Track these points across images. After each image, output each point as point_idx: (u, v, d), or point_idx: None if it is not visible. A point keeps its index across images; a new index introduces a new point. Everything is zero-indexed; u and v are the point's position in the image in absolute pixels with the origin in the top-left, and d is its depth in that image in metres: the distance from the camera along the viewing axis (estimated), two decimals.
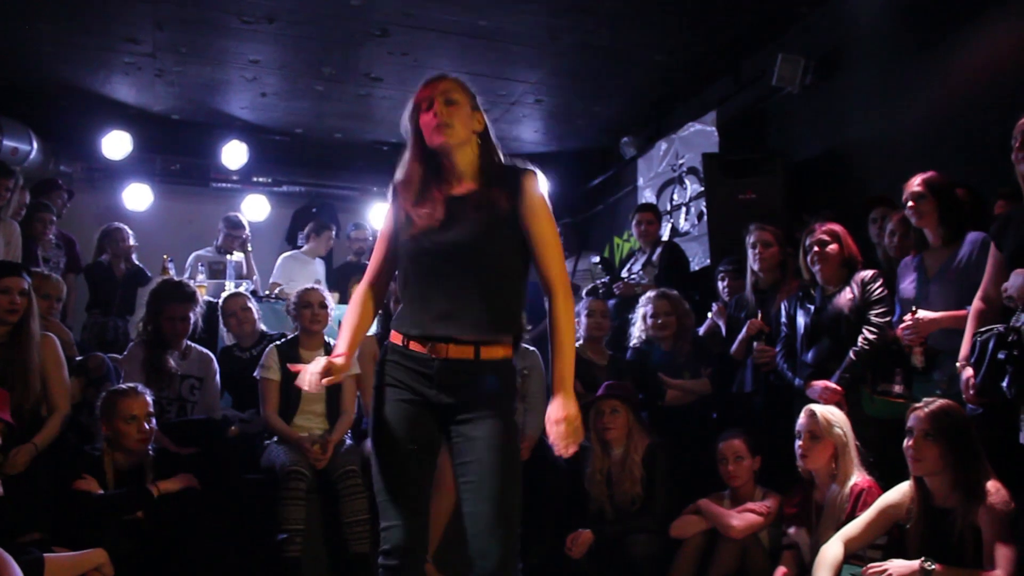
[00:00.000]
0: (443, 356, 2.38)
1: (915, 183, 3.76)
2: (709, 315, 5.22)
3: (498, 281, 2.44)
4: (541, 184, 2.47)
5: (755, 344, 4.45)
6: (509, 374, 2.49)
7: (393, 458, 2.40)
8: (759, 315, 4.54)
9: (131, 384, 3.92)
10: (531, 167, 2.49)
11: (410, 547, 2.34)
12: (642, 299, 5.06)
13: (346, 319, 2.52)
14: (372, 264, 2.60)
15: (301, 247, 7.30)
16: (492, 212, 2.41)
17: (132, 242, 6.29)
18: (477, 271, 2.40)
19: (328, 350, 4.60)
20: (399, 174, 2.53)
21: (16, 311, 3.81)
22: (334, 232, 7.41)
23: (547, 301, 2.46)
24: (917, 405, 3.15)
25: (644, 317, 4.96)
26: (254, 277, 6.71)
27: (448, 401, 2.40)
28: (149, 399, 3.84)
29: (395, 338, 2.48)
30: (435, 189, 2.45)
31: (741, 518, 3.78)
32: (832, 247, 4.04)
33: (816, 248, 4.05)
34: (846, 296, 3.97)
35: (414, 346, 2.42)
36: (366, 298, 2.55)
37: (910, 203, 3.78)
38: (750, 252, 4.66)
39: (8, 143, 6.93)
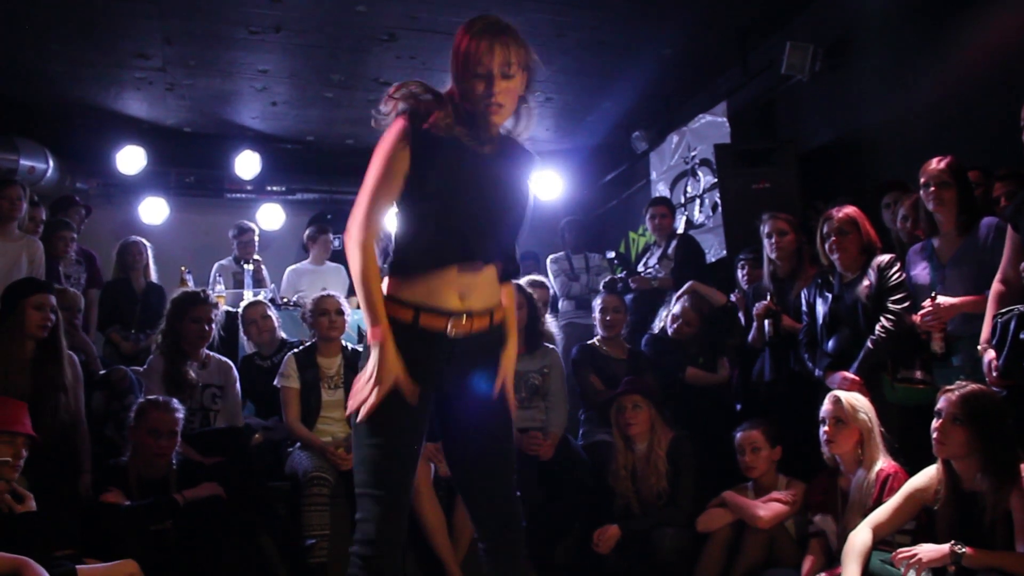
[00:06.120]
0: (466, 332, 2.26)
1: (939, 168, 3.71)
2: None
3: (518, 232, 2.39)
4: None
5: (766, 323, 4.45)
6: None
7: (400, 453, 2.20)
8: (768, 297, 4.53)
9: (166, 398, 3.95)
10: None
11: (394, 539, 2.17)
12: (674, 298, 5.07)
13: (371, 290, 2.18)
14: (380, 201, 2.22)
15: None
16: (518, 181, 2.37)
17: (150, 255, 6.33)
18: (516, 215, 2.33)
19: (346, 355, 4.63)
20: (443, 117, 2.23)
21: (47, 327, 3.90)
22: (332, 235, 7.42)
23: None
24: (949, 388, 3.12)
25: (672, 317, 4.99)
26: (270, 286, 6.75)
27: (454, 377, 2.30)
28: (178, 416, 3.87)
29: (399, 312, 2.22)
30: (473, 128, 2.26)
31: (767, 508, 3.76)
32: (850, 236, 4.00)
33: (834, 237, 4.02)
34: (864, 283, 3.94)
35: (428, 321, 2.22)
36: (375, 261, 2.21)
37: (932, 188, 3.73)
38: (766, 241, 4.64)
39: (25, 162, 7.02)
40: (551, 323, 5.05)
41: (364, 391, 2.16)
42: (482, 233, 2.25)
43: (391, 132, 2.23)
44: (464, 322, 2.25)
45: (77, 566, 3.06)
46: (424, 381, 2.22)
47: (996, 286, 3.41)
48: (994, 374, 3.26)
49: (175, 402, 3.92)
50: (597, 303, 5.10)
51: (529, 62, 2.28)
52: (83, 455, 4.02)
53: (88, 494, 3.82)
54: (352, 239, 2.21)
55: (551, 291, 5.20)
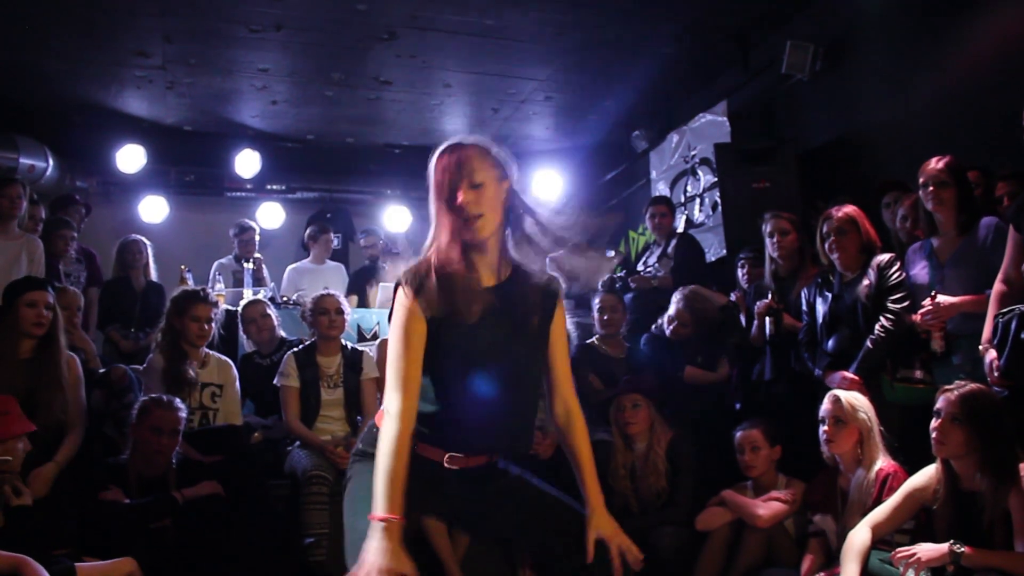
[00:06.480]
0: (460, 467, 2.20)
1: (937, 168, 3.71)
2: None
3: (535, 391, 2.30)
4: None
5: (767, 321, 4.44)
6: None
7: None
8: (769, 295, 4.52)
9: (169, 396, 3.95)
10: (558, 277, 2.32)
11: None
12: (674, 297, 5.05)
13: (391, 471, 2.02)
14: (408, 378, 2.10)
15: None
16: (531, 316, 2.24)
17: (150, 253, 6.33)
18: (522, 380, 2.25)
19: (346, 354, 4.63)
20: (435, 259, 2.15)
21: (43, 324, 3.92)
22: (332, 234, 7.41)
23: (564, 417, 2.32)
24: (948, 387, 3.12)
25: (668, 318, 4.99)
26: (270, 284, 6.75)
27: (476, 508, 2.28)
28: (181, 415, 3.87)
29: None
30: (472, 279, 2.16)
31: (766, 507, 3.76)
32: (849, 235, 3.99)
33: (833, 236, 4.02)
34: (864, 282, 3.94)
35: (423, 450, 2.17)
36: (406, 436, 2.07)
37: (931, 187, 3.73)
38: (768, 240, 4.64)
39: (25, 161, 7.02)
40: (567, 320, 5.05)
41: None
42: (483, 426, 2.20)
43: (400, 302, 2.15)
44: (459, 457, 2.19)
45: (76, 564, 3.06)
46: (422, 504, 2.19)
47: (998, 286, 3.40)
48: (995, 374, 3.26)
49: (177, 401, 3.92)
50: (595, 302, 5.09)
51: (507, 171, 2.21)
52: (65, 448, 3.86)
53: (43, 490, 3.60)
54: (386, 409, 2.12)
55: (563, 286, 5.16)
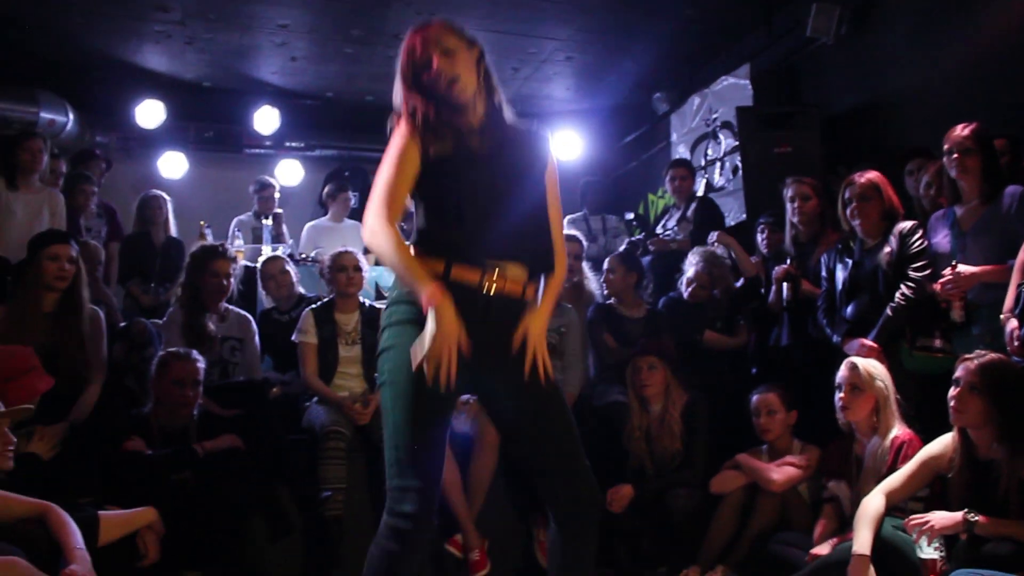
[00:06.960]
0: (496, 290, 2.23)
1: (963, 135, 3.66)
2: None
3: (546, 217, 2.37)
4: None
5: (784, 286, 4.43)
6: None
7: (432, 413, 2.17)
8: (788, 261, 4.50)
9: (186, 349, 3.98)
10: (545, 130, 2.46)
11: (430, 513, 2.15)
12: (691, 259, 5.03)
13: (407, 259, 2.16)
14: (396, 198, 2.21)
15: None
16: (527, 157, 2.36)
17: (170, 209, 6.35)
18: (532, 204, 2.32)
19: (364, 312, 4.64)
20: (412, 108, 2.28)
21: (65, 278, 3.93)
22: (351, 193, 7.40)
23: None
24: (968, 356, 3.09)
25: (686, 280, 4.97)
26: (288, 241, 6.77)
27: (489, 346, 2.21)
28: (200, 366, 3.90)
29: (434, 265, 2.21)
30: (460, 120, 2.29)
31: (781, 471, 3.78)
32: (872, 201, 3.96)
33: (855, 202, 3.98)
34: (885, 249, 3.91)
35: (460, 273, 2.21)
36: (400, 237, 2.19)
37: (955, 154, 3.68)
38: (789, 205, 4.60)
39: (45, 115, 7.04)
40: (592, 280, 5.05)
41: (420, 352, 2.06)
42: (496, 231, 2.24)
43: (398, 132, 2.26)
44: (497, 277, 2.23)
45: (99, 512, 3.11)
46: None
47: (1022, 255, 3.37)
48: (1016, 343, 3.24)
49: (195, 352, 3.96)
50: (605, 266, 5.09)
51: (474, 40, 2.34)
52: (80, 405, 3.86)
53: (50, 450, 3.56)
54: (369, 223, 2.19)
55: (583, 244, 5.15)
